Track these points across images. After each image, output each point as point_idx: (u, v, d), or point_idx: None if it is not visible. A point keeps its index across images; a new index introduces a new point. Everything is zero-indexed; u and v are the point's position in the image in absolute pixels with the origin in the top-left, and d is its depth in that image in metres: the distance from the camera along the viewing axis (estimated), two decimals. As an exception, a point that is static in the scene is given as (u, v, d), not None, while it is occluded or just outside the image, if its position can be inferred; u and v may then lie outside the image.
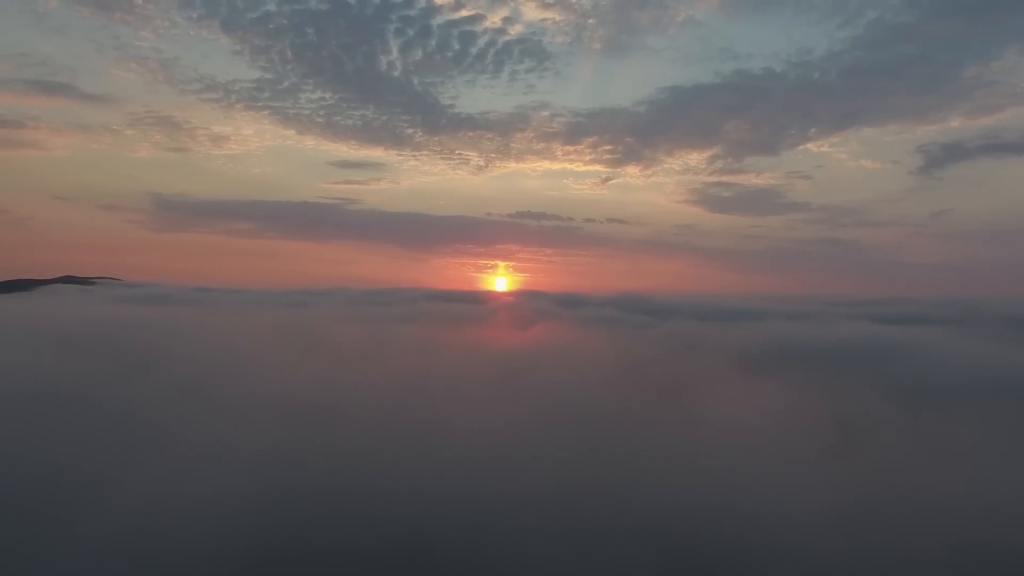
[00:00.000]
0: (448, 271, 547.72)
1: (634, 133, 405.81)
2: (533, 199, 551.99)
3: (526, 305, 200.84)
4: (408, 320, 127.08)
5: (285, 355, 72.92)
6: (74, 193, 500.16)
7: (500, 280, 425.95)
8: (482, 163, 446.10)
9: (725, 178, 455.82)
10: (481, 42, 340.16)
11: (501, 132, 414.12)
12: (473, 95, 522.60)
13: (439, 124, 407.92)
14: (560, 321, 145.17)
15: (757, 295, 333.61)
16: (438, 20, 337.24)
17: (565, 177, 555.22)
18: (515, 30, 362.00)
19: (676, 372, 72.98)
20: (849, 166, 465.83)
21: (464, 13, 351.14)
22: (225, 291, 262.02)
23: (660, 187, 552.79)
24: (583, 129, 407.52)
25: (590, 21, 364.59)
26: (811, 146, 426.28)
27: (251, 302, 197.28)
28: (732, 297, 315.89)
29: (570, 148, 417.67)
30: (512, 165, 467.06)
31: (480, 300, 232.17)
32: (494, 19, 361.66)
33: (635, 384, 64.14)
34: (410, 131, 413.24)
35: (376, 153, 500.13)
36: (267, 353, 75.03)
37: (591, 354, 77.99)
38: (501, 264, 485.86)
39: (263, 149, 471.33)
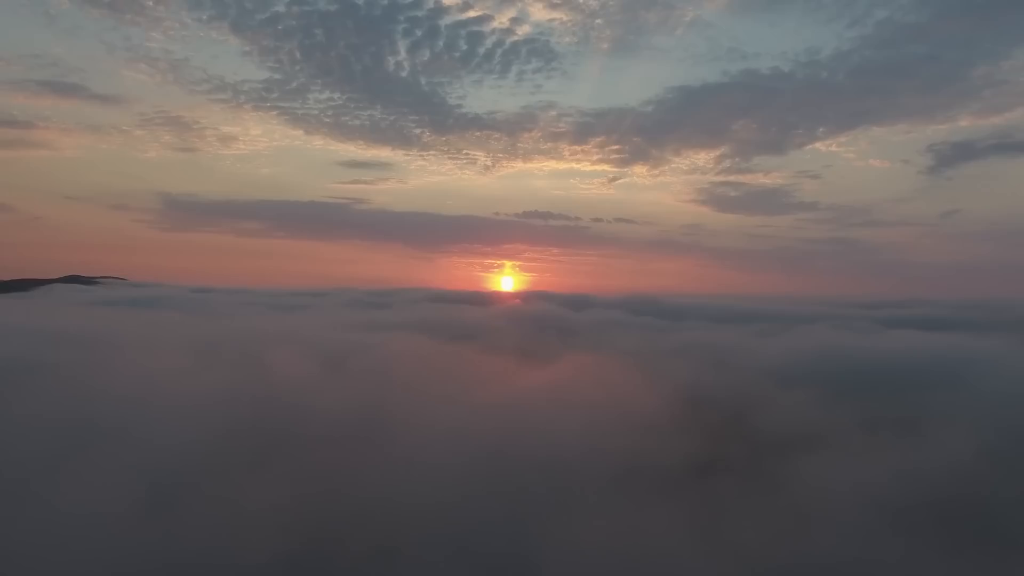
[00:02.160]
0: (455, 271, 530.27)
1: (641, 133, 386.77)
2: (540, 199, 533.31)
3: (533, 308, 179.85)
4: (401, 326, 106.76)
5: (216, 375, 53.15)
6: (84, 193, 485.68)
7: (507, 280, 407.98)
8: (489, 163, 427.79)
9: (733, 178, 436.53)
10: (489, 42, 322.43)
11: (508, 132, 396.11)
12: (480, 95, 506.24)
13: (446, 124, 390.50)
14: (571, 329, 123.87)
15: (767, 296, 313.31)
16: (446, 21, 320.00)
17: (572, 177, 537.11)
18: (522, 30, 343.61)
19: (738, 406, 52.74)
20: (858, 166, 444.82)
21: (472, 14, 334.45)
22: (225, 291, 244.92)
23: (667, 187, 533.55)
24: (590, 129, 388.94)
25: (597, 21, 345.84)
26: (819, 145, 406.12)
27: (245, 303, 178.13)
28: (742, 298, 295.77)
29: (577, 148, 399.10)
30: (519, 165, 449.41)
31: (485, 301, 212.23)
32: (502, 19, 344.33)
33: (694, 430, 43.55)
34: (418, 131, 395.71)
35: (384, 153, 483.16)
36: (200, 369, 55.31)
37: (617, 379, 57.35)
38: (508, 264, 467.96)
39: (271, 149, 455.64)
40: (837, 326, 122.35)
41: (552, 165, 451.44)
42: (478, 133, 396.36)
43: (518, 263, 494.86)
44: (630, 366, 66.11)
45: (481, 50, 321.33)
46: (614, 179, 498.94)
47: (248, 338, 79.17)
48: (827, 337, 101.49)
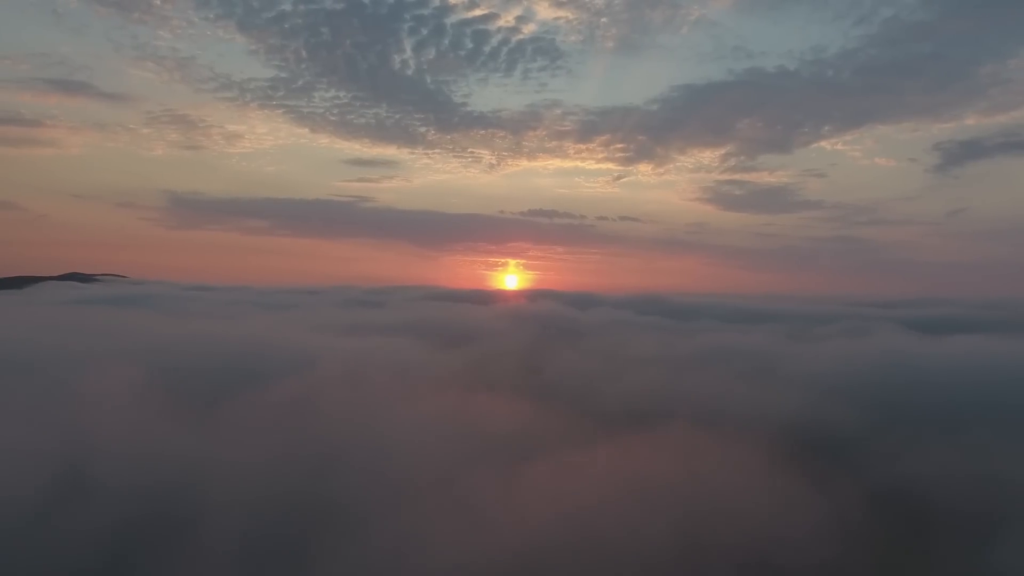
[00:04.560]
0: (459, 269, 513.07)
1: (646, 131, 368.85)
2: (545, 197, 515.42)
3: (537, 307, 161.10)
4: (385, 328, 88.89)
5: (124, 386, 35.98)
6: (90, 191, 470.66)
7: (511, 278, 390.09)
8: (494, 161, 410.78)
9: (738, 176, 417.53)
10: (494, 40, 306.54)
11: (513, 130, 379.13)
12: (485, 93, 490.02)
13: (452, 122, 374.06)
14: (579, 330, 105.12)
15: (772, 294, 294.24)
16: (452, 19, 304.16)
17: (577, 175, 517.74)
18: (528, 29, 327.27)
19: (846, 441, 34.62)
20: (863, 164, 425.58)
21: (477, 12, 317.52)
22: (223, 289, 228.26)
23: (672, 185, 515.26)
24: (595, 127, 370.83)
25: (603, 20, 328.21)
26: (825, 144, 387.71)
27: (236, 302, 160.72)
28: (748, 296, 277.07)
29: (582, 146, 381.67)
30: (524, 163, 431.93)
31: (487, 300, 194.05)
32: (507, 18, 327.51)
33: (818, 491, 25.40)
34: (423, 129, 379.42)
35: (389, 151, 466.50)
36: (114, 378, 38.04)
37: (660, 408, 38.66)
38: (512, 262, 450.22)
39: (277, 147, 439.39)
40: (881, 329, 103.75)
41: (557, 163, 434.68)
42: (483, 131, 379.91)
43: (522, 261, 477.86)
44: (665, 383, 47.82)
45: (487, 48, 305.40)
46: (619, 177, 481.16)
47: (189, 342, 61.35)
48: (880, 342, 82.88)
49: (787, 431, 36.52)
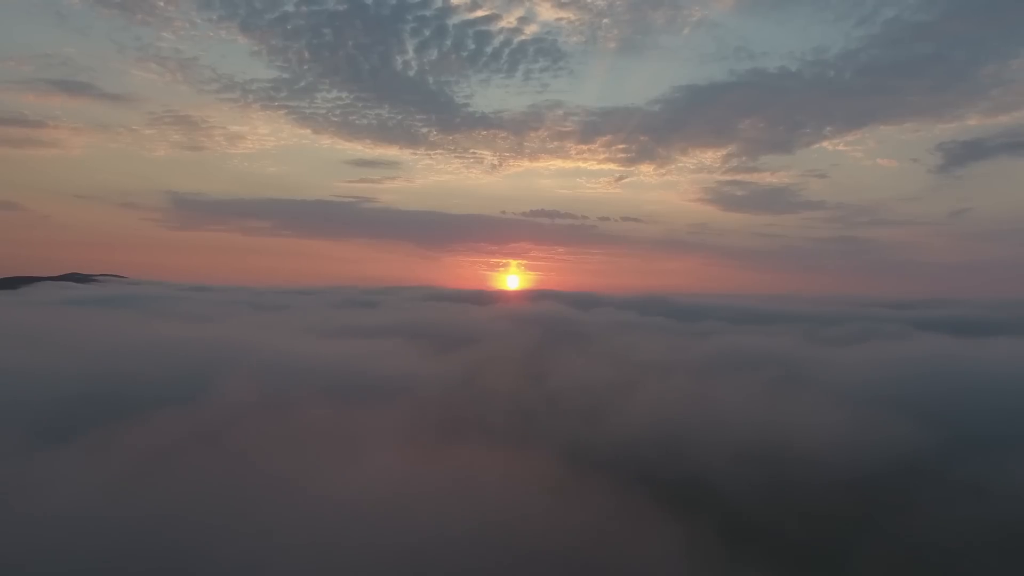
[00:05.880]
0: (461, 269, 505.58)
1: (648, 132, 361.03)
2: (547, 198, 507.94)
3: (537, 308, 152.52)
4: (379, 331, 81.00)
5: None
6: (93, 191, 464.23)
7: (512, 278, 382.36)
8: (496, 162, 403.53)
9: (740, 176, 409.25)
10: (496, 41, 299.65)
11: (515, 131, 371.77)
12: (487, 94, 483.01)
13: (453, 123, 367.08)
14: (582, 333, 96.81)
15: (775, 295, 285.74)
16: (454, 20, 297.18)
17: (579, 176, 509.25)
18: (530, 30, 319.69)
19: None
20: (865, 164, 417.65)
21: (480, 13, 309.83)
22: (219, 289, 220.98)
23: (674, 185, 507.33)
24: (597, 128, 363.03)
25: (605, 21, 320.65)
26: (827, 144, 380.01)
27: (227, 302, 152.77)
28: (750, 296, 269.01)
29: (584, 147, 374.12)
30: (526, 164, 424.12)
31: (487, 300, 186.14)
32: (509, 19, 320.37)
33: None
34: (425, 130, 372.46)
35: (391, 152, 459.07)
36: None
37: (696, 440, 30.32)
38: (514, 262, 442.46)
39: (279, 148, 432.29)
40: (904, 331, 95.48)
41: (559, 164, 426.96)
42: (485, 132, 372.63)
43: (524, 262, 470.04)
44: (688, 397, 39.71)
45: (488, 49, 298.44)
46: (621, 178, 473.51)
47: (147, 345, 53.32)
48: (914, 346, 74.49)
49: (864, 456, 28.31)
